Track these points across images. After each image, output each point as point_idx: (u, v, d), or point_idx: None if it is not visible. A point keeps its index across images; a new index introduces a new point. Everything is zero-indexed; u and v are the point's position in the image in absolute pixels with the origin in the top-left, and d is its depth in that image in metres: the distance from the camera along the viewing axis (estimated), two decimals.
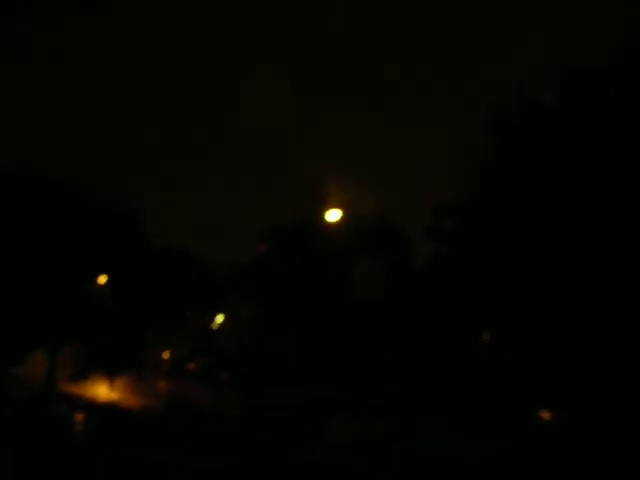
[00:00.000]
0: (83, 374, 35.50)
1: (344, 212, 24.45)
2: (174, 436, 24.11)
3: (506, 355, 21.28)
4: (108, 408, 32.95)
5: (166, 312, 38.67)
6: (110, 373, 36.29)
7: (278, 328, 31.28)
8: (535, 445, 19.54)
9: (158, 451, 20.44)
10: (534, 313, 19.55)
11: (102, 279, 34.47)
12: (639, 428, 17.48)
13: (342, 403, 27.38)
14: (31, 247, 30.85)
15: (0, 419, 24.59)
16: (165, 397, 36.55)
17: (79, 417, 29.30)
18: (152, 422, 29.84)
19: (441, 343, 24.53)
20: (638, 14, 19.41)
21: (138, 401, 34.71)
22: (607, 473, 16.98)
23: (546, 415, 20.86)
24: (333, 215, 24.18)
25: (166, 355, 44.55)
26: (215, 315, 44.09)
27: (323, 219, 24.50)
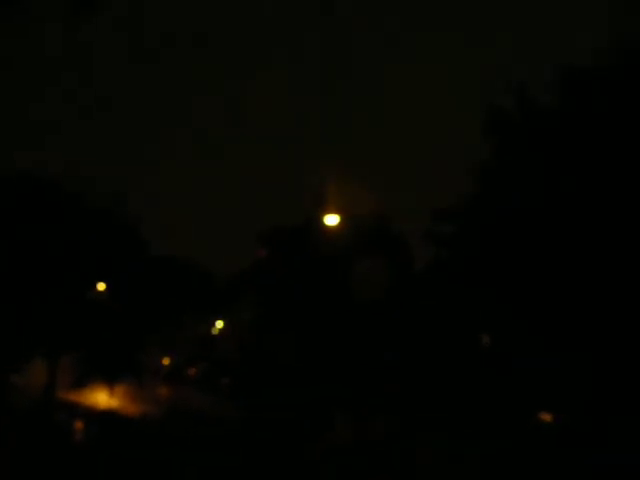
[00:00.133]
0: (83, 381, 35.44)
1: (343, 214, 24.50)
2: (175, 443, 24.11)
3: (506, 355, 21.27)
4: (108, 415, 32.90)
5: (166, 317, 38.65)
6: (110, 380, 36.23)
7: (278, 328, 31.29)
8: (535, 445, 19.52)
9: (159, 458, 20.43)
10: (534, 313, 19.54)
11: (101, 285, 34.45)
12: (639, 428, 17.46)
13: (342, 403, 27.39)
14: (30, 251, 30.80)
15: (0, 428, 24.58)
16: (165, 404, 36.50)
17: (79, 425, 29.27)
18: (152, 429, 29.81)
19: (441, 343, 24.52)
20: (638, 14, 19.48)
21: (138, 408, 34.66)
22: (607, 473, 16.96)
23: (547, 417, 20.85)
24: (331, 219, 24.24)
25: (166, 361, 44.51)
26: (215, 320, 44.08)
27: (323, 220, 24.56)
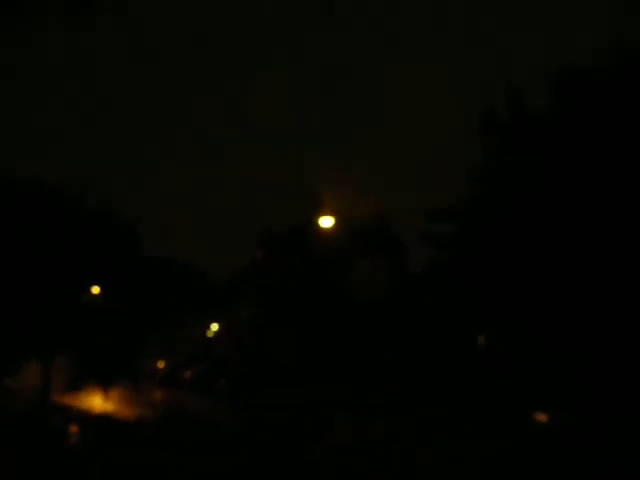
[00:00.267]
0: (77, 385, 35.26)
1: (341, 215, 24.48)
2: (171, 446, 23.98)
3: (505, 355, 21.24)
4: (103, 419, 32.74)
5: (164, 319, 38.56)
6: (105, 383, 36.07)
7: (278, 328, 31.25)
8: (535, 445, 19.49)
9: (154, 462, 20.30)
10: (533, 313, 19.52)
11: (96, 288, 34.32)
12: (639, 428, 17.44)
13: (342, 403, 27.34)
14: (27, 253, 30.66)
15: None
16: (161, 407, 36.34)
17: (74, 429, 29.10)
18: (148, 433, 29.66)
19: (440, 343, 24.49)
20: (638, 14, 19.53)
21: (133, 412, 34.50)
22: (607, 473, 16.94)
23: (542, 418, 20.83)
24: (326, 221, 24.23)
25: (161, 364, 44.38)
26: (210, 323, 44.00)
27: (320, 222, 24.54)
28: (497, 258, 20.73)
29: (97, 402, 35.66)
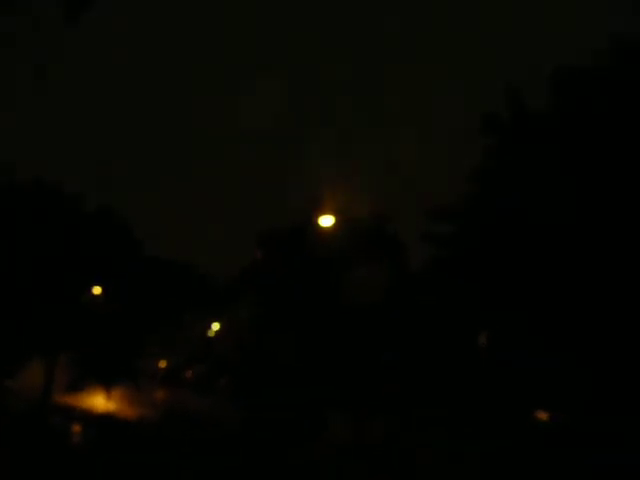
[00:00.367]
0: (79, 385, 35.32)
1: (341, 215, 24.51)
2: (172, 446, 24.04)
3: (505, 354, 21.24)
4: (105, 419, 32.80)
5: (164, 319, 38.57)
6: (106, 383, 36.12)
7: (278, 328, 31.27)
8: (535, 445, 19.50)
9: (157, 460, 20.36)
10: (534, 311, 19.53)
11: (97, 288, 34.37)
12: (639, 428, 17.45)
13: (342, 403, 27.38)
14: (27, 253, 30.70)
15: None
16: (162, 407, 36.40)
17: (76, 428, 29.18)
18: (150, 432, 29.73)
19: (441, 342, 24.49)
20: (638, 14, 19.50)
21: (135, 411, 34.56)
22: (607, 473, 16.95)
23: (543, 416, 20.84)
24: (326, 221, 24.26)
25: (162, 364, 44.39)
26: (212, 322, 43.97)
27: (320, 221, 24.60)
28: (497, 256, 20.74)
29: (99, 402, 35.72)
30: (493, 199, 21.38)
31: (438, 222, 23.34)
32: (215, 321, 43.64)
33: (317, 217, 25.18)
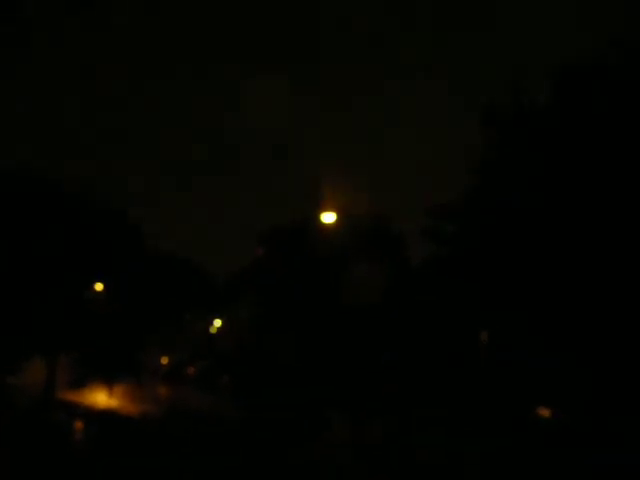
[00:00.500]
0: (82, 381, 35.43)
1: (341, 214, 24.48)
2: (174, 442, 24.10)
3: (505, 353, 21.25)
4: (107, 415, 32.87)
5: (165, 317, 38.64)
6: (109, 380, 36.22)
7: (278, 328, 31.30)
8: (535, 444, 19.52)
9: (159, 457, 20.43)
10: (534, 312, 19.52)
11: (100, 285, 34.44)
12: (639, 428, 17.46)
13: (341, 403, 27.43)
14: (29, 251, 30.73)
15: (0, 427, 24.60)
16: (165, 403, 36.50)
17: (79, 425, 29.24)
18: (152, 428, 29.79)
19: (440, 340, 24.51)
20: (638, 14, 19.42)
21: (137, 408, 34.64)
22: (607, 473, 16.97)
23: (545, 412, 20.84)
24: (328, 217, 24.25)
25: (165, 360, 44.54)
26: (213, 319, 44.07)
27: (321, 220, 24.58)
28: (498, 252, 20.72)
29: (101, 398, 35.84)
30: (494, 194, 21.32)
31: (439, 220, 23.35)
32: (217, 318, 43.75)
33: (318, 215, 25.19)
